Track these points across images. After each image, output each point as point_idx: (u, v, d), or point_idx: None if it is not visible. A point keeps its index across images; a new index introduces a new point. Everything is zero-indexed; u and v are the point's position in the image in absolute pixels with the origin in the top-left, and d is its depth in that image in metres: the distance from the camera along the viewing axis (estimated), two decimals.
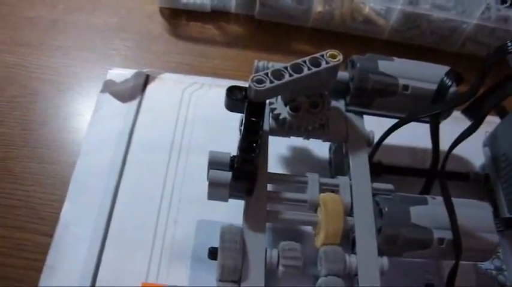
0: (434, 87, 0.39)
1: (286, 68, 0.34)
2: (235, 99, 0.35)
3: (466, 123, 0.38)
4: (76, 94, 0.49)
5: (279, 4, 0.54)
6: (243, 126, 0.34)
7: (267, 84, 0.33)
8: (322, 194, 0.35)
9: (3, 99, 0.48)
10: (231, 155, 0.35)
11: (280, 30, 0.56)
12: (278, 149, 0.45)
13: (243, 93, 0.35)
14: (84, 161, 0.43)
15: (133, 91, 0.47)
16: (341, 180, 0.37)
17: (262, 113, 0.35)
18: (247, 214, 0.34)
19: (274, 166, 0.43)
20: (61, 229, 0.39)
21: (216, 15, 0.56)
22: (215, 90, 0.48)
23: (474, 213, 0.36)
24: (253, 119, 0.34)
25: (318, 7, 0.54)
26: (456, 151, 0.43)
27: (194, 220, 0.41)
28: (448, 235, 0.35)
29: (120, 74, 0.48)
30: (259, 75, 0.33)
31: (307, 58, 0.35)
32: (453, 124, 0.40)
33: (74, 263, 0.38)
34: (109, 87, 0.47)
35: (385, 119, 0.41)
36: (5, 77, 0.49)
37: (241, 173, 0.33)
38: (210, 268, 0.36)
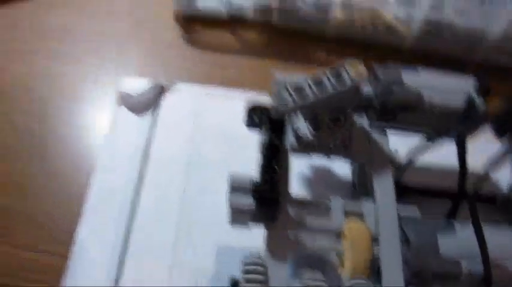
0: (461, 101, 0.37)
1: (310, 86, 0.32)
2: (256, 121, 0.34)
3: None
4: (90, 105, 0.48)
5: (298, 11, 0.53)
6: (263, 146, 0.33)
7: (290, 104, 0.32)
8: (346, 221, 0.34)
9: (18, 111, 0.47)
10: (252, 179, 0.33)
11: (298, 38, 0.55)
12: (299, 168, 0.44)
13: (264, 114, 0.34)
14: (99, 178, 0.42)
15: (148, 103, 0.46)
16: (366, 205, 0.35)
17: (283, 131, 0.34)
18: (269, 242, 0.33)
19: (294, 186, 0.42)
20: (77, 251, 0.38)
21: (232, 22, 0.55)
22: (232, 101, 0.47)
23: (505, 241, 0.35)
24: (274, 140, 0.33)
25: (338, 14, 0.52)
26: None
27: (213, 244, 0.39)
28: (478, 266, 0.33)
29: (134, 84, 0.47)
30: (281, 96, 0.32)
31: (330, 75, 0.32)
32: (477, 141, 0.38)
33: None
34: (124, 100, 0.46)
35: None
36: (19, 86, 0.48)
37: (263, 200, 0.32)
38: None
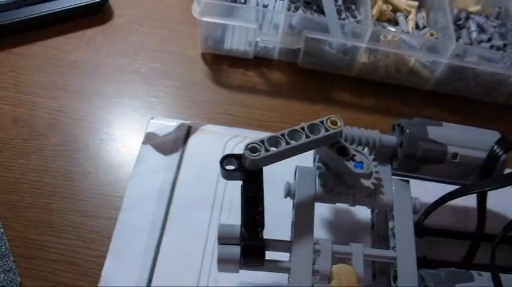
0: (483, 155, 0.38)
1: (283, 135, 0.34)
2: (230, 170, 0.34)
3: None
4: (118, 144, 0.49)
5: (323, 54, 0.54)
6: (242, 197, 0.33)
7: (262, 153, 0.33)
8: (334, 265, 0.35)
9: (47, 147, 0.48)
10: (239, 230, 0.34)
11: (323, 79, 0.56)
12: (321, 212, 0.44)
13: (239, 162, 0.34)
14: (125, 217, 0.43)
15: (175, 144, 0.47)
16: (354, 248, 0.36)
17: (261, 181, 0.34)
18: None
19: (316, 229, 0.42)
20: None
21: (258, 62, 0.56)
22: None
23: None
24: (252, 189, 0.33)
25: (363, 58, 0.53)
26: (499, 209, 0.42)
27: (235, 282, 0.40)
28: None
29: (162, 124, 0.49)
30: (253, 143, 0.33)
31: (306, 125, 0.34)
32: None
33: None
34: (151, 139, 0.48)
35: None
36: (48, 123, 0.50)
37: (248, 251, 0.33)
38: None
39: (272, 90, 0.54)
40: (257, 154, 0.32)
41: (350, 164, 0.36)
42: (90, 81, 0.53)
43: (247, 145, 0.33)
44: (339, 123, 0.35)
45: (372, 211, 0.43)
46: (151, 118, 0.49)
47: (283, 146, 0.33)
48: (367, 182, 0.37)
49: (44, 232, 0.43)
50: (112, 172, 0.47)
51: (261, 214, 0.33)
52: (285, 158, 0.34)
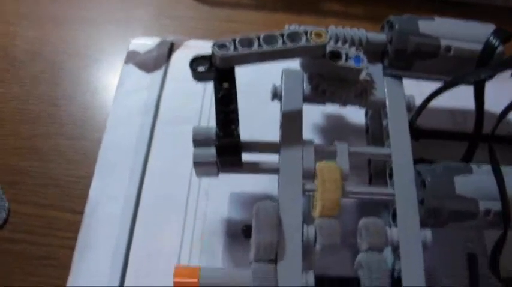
0: (479, 47, 0.36)
1: (258, 37, 0.32)
2: (200, 71, 0.32)
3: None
4: (102, 68, 0.48)
5: None
6: (215, 97, 0.32)
7: (230, 52, 0.31)
8: (318, 163, 0.33)
9: (28, 76, 0.47)
10: (213, 131, 0.33)
11: None
12: (312, 116, 0.43)
13: (209, 63, 0.32)
14: (110, 137, 0.42)
15: (157, 61, 0.46)
16: (338, 146, 0.35)
17: (233, 80, 0.32)
18: (282, 188, 0.33)
19: (308, 134, 0.41)
20: (91, 207, 0.39)
21: None
22: None
23: None
24: (225, 87, 0.32)
25: None
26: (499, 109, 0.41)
27: (226, 193, 0.40)
28: (495, 205, 0.33)
29: (144, 43, 0.47)
30: (222, 41, 0.31)
31: (287, 31, 0.32)
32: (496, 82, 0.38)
33: (106, 242, 0.37)
34: (132, 58, 0.46)
35: (424, 82, 0.39)
36: (29, 52, 0.49)
37: (223, 149, 0.33)
38: (245, 247, 0.34)
39: (256, 4, 0.53)
40: (225, 51, 0.31)
41: (350, 63, 0.34)
42: (67, 8, 0.52)
43: (216, 42, 0.31)
44: (323, 37, 0.32)
45: (366, 115, 0.42)
46: (132, 38, 0.48)
47: (255, 47, 0.31)
48: (363, 75, 0.35)
49: (29, 158, 0.43)
50: (97, 95, 0.46)
51: (235, 111, 0.31)
52: (258, 62, 0.32)
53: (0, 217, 0.39)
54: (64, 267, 0.37)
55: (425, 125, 0.42)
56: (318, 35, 0.32)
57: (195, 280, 0.30)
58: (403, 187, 0.34)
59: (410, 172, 0.34)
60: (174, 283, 0.30)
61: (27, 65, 0.48)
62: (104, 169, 0.41)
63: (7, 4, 0.52)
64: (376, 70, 0.38)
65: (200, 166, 0.33)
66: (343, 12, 0.52)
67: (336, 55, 0.34)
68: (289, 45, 0.32)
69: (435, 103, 0.43)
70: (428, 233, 0.33)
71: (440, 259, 0.39)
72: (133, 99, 0.44)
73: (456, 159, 0.40)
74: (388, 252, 0.34)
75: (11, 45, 0.49)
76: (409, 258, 0.32)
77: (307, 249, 0.32)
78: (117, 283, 0.36)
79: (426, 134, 0.42)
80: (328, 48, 0.34)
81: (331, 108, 0.42)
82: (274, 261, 0.30)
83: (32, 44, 0.49)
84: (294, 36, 0.32)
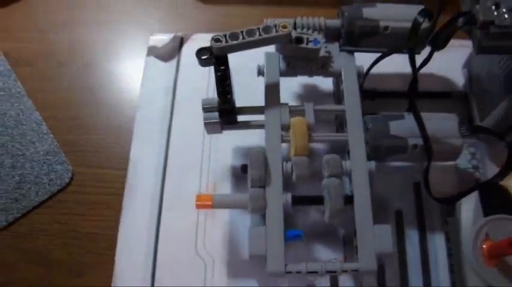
0: (409, 25, 0.47)
1: (242, 32, 0.43)
2: (204, 58, 0.44)
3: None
4: (127, 61, 0.61)
5: None
6: (215, 76, 0.44)
7: (223, 44, 0.43)
8: (292, 118, 0.46)
9: (70, 72, 0.61)
10: (217, 100, 0.45)
11: None
12: (291, 87, 0.56)
13: (210, 52, 0.44)
14: (141, 113, 0.56)
15: (172, 52, 0.59)
16: (306, 105, 0.47)
17: (227, 63, 0.44)
18: (267, 138, 0.46)
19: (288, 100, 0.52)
20: (133, 165, 0.53)
21: None
22: None
23: (442, 123, 0.46)
24: (221, 68, 0.44)
25: None
26: (442, 73, 0.54)
27: (229, 147, 0.53)
28: (421, 141, 0.45)
29: (160, 39, 0.60)
30: (217, 36, 0.43)
31: (262, 25, 0.44)
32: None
33: (146, 187, 0.51)
34: (152, 51, 0.59)
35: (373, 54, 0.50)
36: (67, 53, 0.62)
37: (223, 112, 0.45)
38: (244, 179, 0.47)
39: (251, 1, 0.64)
40: (219, 44, 0.43)
41: (310, 45, 0.47)
42: (92, 12, 0.65)
43: (213, 37, 0.43)
44: (288, 28, 0.44)
45: (333, 83, 0.55)
46: (151, 35, 0.61)
47: (240, 39, 0.44)
48: (322, 53, 0.48)
49: (81, 133, 0.56)
50: (124, 82, 0.60)
51: (229, 85, 0.44)
52: (243, 49, 0.44)
53: (67, 177, 0.53)
54: (113, 208, 0.51)
55: (380, 88, 0.55)
56: (284, 26, 0.45)
57: (210, 203, 0.43)
58: (354, 132, 0.46)
59: (359, 121, 0.46)
60: (196, 205, 0.43)
61: (68, 64, 0.61)
62: (139, 137, 0.54)
63: (39, 14, 0.64)
64: (334, 48, 0.50)
65: (208, 125, 0.46)
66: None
67: (299, 40, 0.47)
68: (264, 36, 0.44)
69: (390, 71, 0.55)
70: (372, 164, 0.45)
71: (393, 187, 0.51)
72: (156, 83, 0.57)
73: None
74: (346, 180, 0.46)
75: (54, 48, 0.62)
76: (358, 182, 0.44)
77: (286, 179, 0.45)
78: (156, 214, 0.50)
79: (379, 94, 0.54)
80: (295, 35, 0.47)
81: (308, 80, 0.54)
82: (264, 187, 0.43)
83: (70, 46, 0.62)
84: (267, 29, 0.44)
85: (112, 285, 0.47)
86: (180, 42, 0.60)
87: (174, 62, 0.59)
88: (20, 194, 0.53)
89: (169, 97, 0.56)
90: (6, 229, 0.51)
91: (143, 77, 0.58)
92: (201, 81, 0.57)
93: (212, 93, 0.56)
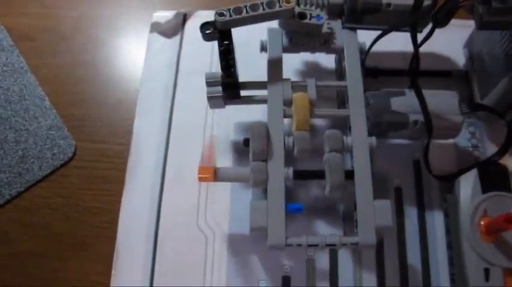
0: (412, 2, 0.46)
1: (246, 6, 0.43)
2: (207, 32, 0.44)
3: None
4: (131, 37, 0.61)
5: None
6: (219, 50, 0.44)
7: (227, 18, 0.43)
8: (294, 94, 0.46)
9: (75, 47, 0.61)
10: (220, 74, 0.46)
11: None
12: (294, 64, 0.56)
13: (214, 27, 0.44)
14: (144, 87, 0.56)
15: (175, 28, 0.59)
16: (308, 81, 0.47)
17: (230, 38, 0.44)
18: (269, 112, 0.46)
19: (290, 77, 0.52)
20: (135, 139, 0.53)
21: None
22: None
23: (443, 100, 0.46)
24: (225, 42, 0.44)
25: None
26: (443, 52, 0.54)
27: (232, 122, 0.54)
28: (421, 117, 0.45)
29: (163, 15, 0.60)
30: (221, 10, 0.43)
31: (265, 0, 0.44)
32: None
33: (149, 161, 0.52)
34: (156, 27, 0.59)
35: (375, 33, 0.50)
36: (73, 28, 0.62)
37: (226, 85, 0.46)
38: (246, 153, 0.47)
39: None
40: (223, 18, 0.43)
41: (313, 21, 0.47)
42: None
43: (217, 11, 0.43)
44: (291, 3, 0.44)
45: (335, 61, 0.55)
46: (154, 12, 0.61)
47: (244, 14, 0.44)
48: (325, 29, 0.48)
49: (84, 107, 0.57)
50: (129, 57, 0.60)
51: (233, 59, 0.44)
52: (247, 24, 0.44)
53: (70, 151, 0.54)
54: (116, 182, 0.52)
55: (381, 66, 0.55)
56: (288, 1, 0.44)
57: (212, 175, 0.44)
58: (355, 107, 0.46)
59: (360, 97, 0.47)
60: (198, 178, 0.44)
61: (73, 38, 0.61)
62: (142, 111, 0.54)
63: None
64: (336, 25, 0.50)
65: (211, 100, 0.46)
66: None
67: (302, 15, 0.47)
68: (268, 10, 0.44)
69: (391, 49, 0.55)
70: (373, 140, 0.45)
71: (393, 164, 0.51)
72: (159, 58, 0.57)
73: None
74: (347, 156, 0.47)
75: (58, 24, 0.62)
76: (359, 156, 0.44)
77: (288, 153, 0.45)
78: (158, 188, 0.51)
79: (381, 72, 0.55)
80: (298, 10, 0.47)
81: (310, 57, 0.54)
82: (265, 161, 0.44)
83: (74, 22, 0.62)
84: (270, 4, 0.44)
85: (114, 255, 0.48)
86: (183, 18, 0.60)
87: (177, 38, 0.59)
88: (23, 169, 0.53)
89: (173, 72, 0.57)
90: (9, 202, 0.52)
91: (146, 53, 0.58)
92: (204, 58, 0.57)
93: (215, 67, 0.56)
